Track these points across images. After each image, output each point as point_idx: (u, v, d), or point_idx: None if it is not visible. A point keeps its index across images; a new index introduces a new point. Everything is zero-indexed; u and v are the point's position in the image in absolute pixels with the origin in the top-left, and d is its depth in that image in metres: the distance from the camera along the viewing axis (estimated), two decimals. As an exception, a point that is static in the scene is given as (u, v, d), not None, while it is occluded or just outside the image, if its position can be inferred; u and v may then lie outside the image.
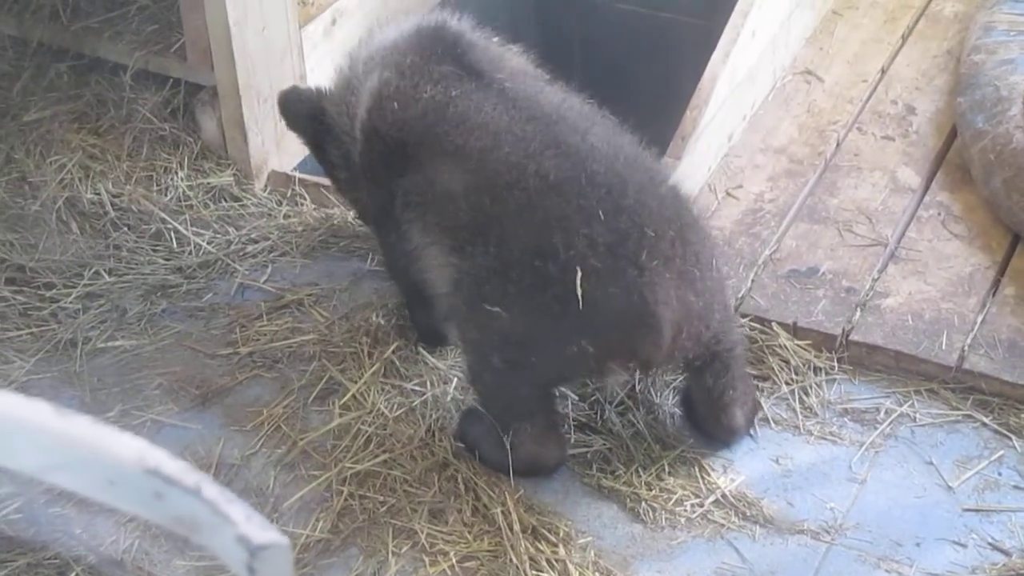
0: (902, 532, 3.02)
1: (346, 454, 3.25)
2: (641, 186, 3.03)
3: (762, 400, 3.34)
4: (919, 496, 3.11)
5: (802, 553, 3.00)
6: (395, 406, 3.36)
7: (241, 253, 3.90)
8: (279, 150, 4.19)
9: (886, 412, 3.32)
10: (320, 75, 4.01)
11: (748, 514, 3.08)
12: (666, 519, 3.08)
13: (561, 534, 3.03)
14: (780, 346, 3.47)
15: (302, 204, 4.08)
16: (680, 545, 3.03)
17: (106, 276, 3.82)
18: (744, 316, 3.54)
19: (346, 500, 3.14)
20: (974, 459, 3.19)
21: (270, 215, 4.05)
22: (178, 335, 3.66)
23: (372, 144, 3.33)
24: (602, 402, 3.34)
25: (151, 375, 3.53)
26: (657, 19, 5.32)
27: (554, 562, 2.97)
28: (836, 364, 3.44)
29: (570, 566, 2.96)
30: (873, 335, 3.47)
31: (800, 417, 3.32)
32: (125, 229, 3.98)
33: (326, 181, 3.92)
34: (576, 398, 3.36)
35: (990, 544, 2.99)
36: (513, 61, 3.40)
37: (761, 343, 3.48)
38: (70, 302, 3.74)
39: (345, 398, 3.39)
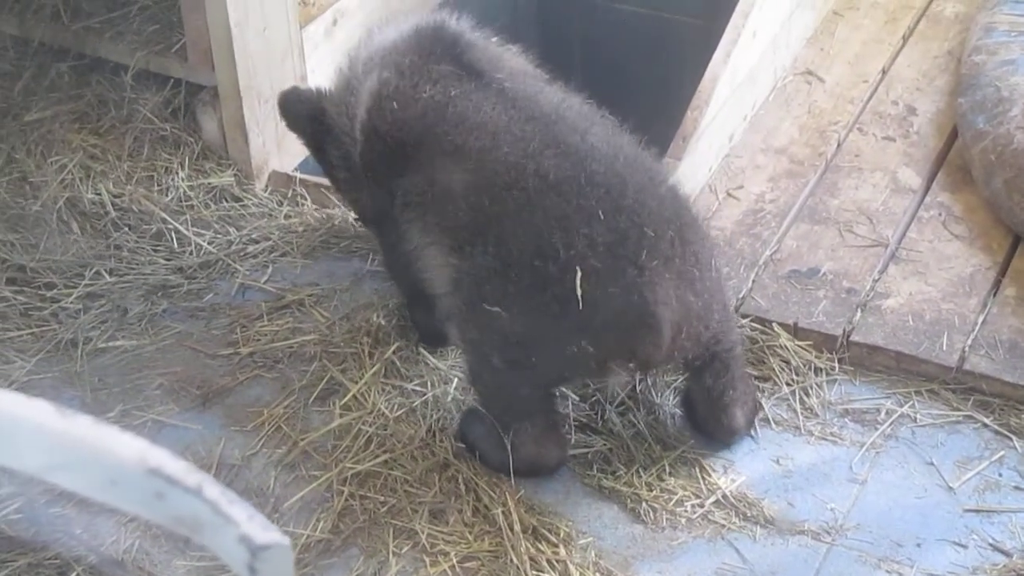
0: (903, 533, 3.02)
1: (347, 454, 3.25)
2: (640, 186, 3.03)
3: (763, 401, 3.34)
4: (920, 497, 3.12)
5: (803, 554, 3.00)
6: (396, 406, 3.36)
7: (242, 253, 3.91)
8: (280, 150, 4.19)
9: (887, 413, 3.32)
10: (321, 75, 4.01)
11: (749, 515, 3.08)
12: (667, 520, 3.09)
13: (562, 534, 3.04)
14: (781, 347, 3.47)
15: (303, 204, 4.08)
16: (681, 546, 3.03)
17: (107, 276, 3.82)
18: (745, 317, 3.54)
19: (347, 500, 3.14)
20: (975, 460, 3.19)
21: (271, 215, 4.05)
22: (179, 335, 3.66)
23: (372, 144, 3.33)
24: (603, 403, 3.34)
25: (152, 375, 3.54)
26: (658, 19, 5.32)
27: (555, 562, 2.97)
28: (837, 365, 3.45)
29: (571, 566, 2.96)
30: (874, 336, 3.47)
31: (801, 418, 3.32)
32: (126, 229, 3.99)
33: (327, 181, 3.91)
34: (577, 399, 3.36)
35: (991, 545, 2.99)
36: (512, 61, 3.40)
37: (762, 344, 3.48)
38: (71, 302, 3.74)
39: (346, 398, 3.39)
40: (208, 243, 3.93)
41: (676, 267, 2.99)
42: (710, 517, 3.09)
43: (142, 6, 4.40)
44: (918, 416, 3.31)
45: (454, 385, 3.41)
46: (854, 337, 3.47)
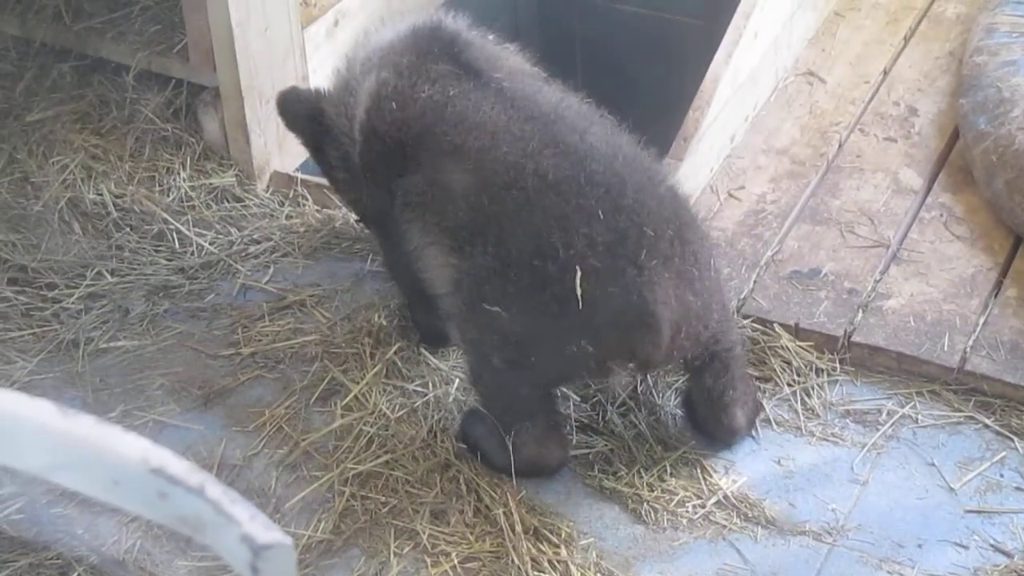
0: (904, 533, 3.02)
1: (348, 455, 3.25)
2: (640, 185, 3.03)
3: (764, 401, 3.34)
4: (921, 497, 3.11)
5: (804, 554, 3.00)
6: (397, 407, 3.37)
7: (243, 254, 3.91)
8: (281, 151, 4.19)
9: (888, 413, 3.32)
10: (323, 76, 4.01)
11: (750, 515, 3.08)
12: (668, 520, 3.08)
13: (563, 535, 3.04)
14: (782, 347, 3.47)
15: (304, 205, 4.09)
16: (682, 546, 3.03)
17: (108, 276, 3.82)
18: (746, 317, 3.54)
19: (348, 501, 3.14)
20: (976, 461, 3.19)
21: (272, 216, 4.05)
22: (180, 336, 3.66)
23: (371, 145, 3.33)
24: (604, 403, 3.34)
25: (153, 375, 3.54)
26: (659, 20, 5.32)
27: (556, 563, 2.97)
28: (838, 365, 3.44)
29: (572, 567, 2.96)
30: (875, 336, 3.47)
31: (802, 418, 3.32)
32: (127, 229, 3.99)
33: (327, 182, 3.91)
34: (578, 399, 3.36)
35: (992, 546, 2.99)
36: (510, 60, 3.40)
37: (763, 344, 3.48)
38: (72, 302, 3.74)
39: (347, 399, 3.39)
40: (209, 243, 3.93)
41: (675, 267, 2.99)
42: (711, 518, 3.09)
43: (144, 6, 4.41)
44: (919, 417, 3.31)
45: (455, 386, 3.41)
46: (855, 338, 3.47)
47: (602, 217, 2.95)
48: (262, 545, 1.44)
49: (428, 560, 3.00)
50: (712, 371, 3.17)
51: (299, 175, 4.18)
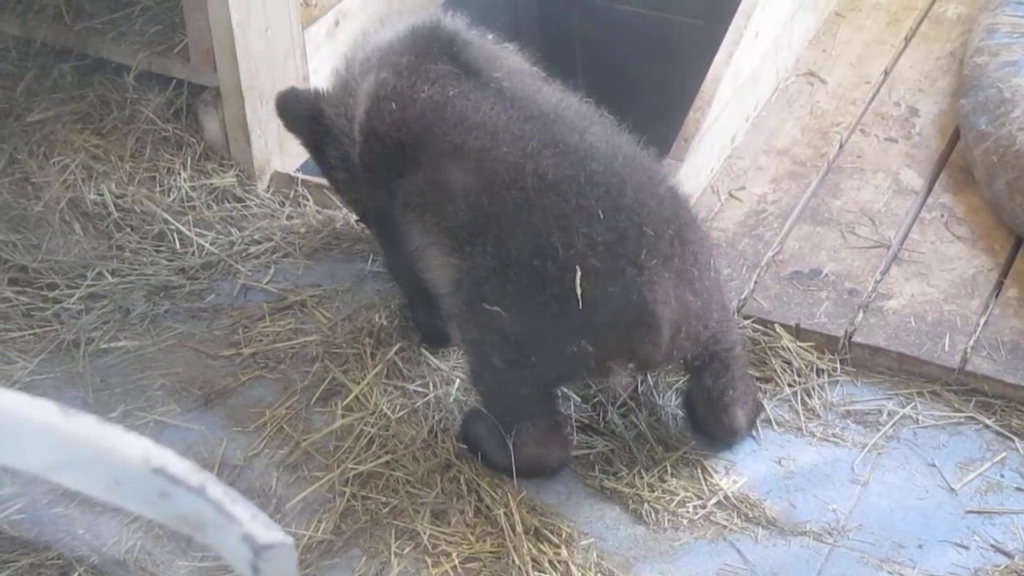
0: (904, 534, 3.02)
1: (349, 455, 3.25)
2: (640, 185, 3.03)
3: (764, 402, 3.34)
4: (921, 498, 3.11)
5: (804, 555, 3.00)
6: (398, 407, 3.37)
7: (244, 254, 3.91)
8: (282, 151, 4.19)
9: (888, 414, 3.32)
10: (323, 76, 4.01)
11: (750, 516, 3.08)
12: (668, 521, 3.09)
13: (564, 535, 3.04)
14: (783, 348, 3.47)
15: (305, 205, 4.09)
16: (682, 547, 3.03)
17: (109, 277, 3.82)
18: (747, 318, 3.54)
19: (348, 501, 3.14)
20: (976, 461, 3.19)
21: (273, 216, 4.05)
22: (181, 336, 3.66)
23: (371, 145, 3.33)
24: (604, 403, 3.34)
25: (154, 376, 3.54)
26: (660, 20, 5.32)
27: (556, 563, 2.97)
28: (839, 366, 3.44)
29: (572, 567, 2.96)
30: (876, 337, 3.47)
31: (802, 419, 3.32)
32: (128, 230, 3.99)
33: (327, 182, 3.92)
34: (579, 399, 3.36)
35: (992, 546, 2.99)
36: (509, 59, 3.40)
37: (764, 345, 3.48)
38: (73, 303, 3.74)
39: (348, 399, 3.39)
40: (210, 244, 3.93)
41: (675, 266, 3.00)
42: (712, 518, 3.09)
43: (144, 7, 4.41)
44: (920, 417, 3.31)
45: (456, 386, 3.41)
46: (856, 338, 3.47)
47: (602, 217, 2.95)
48: (263, 545, 1.44)
49: (429, 560, 3.00)
50: (712, 371, 3.17)
51: (300, 175, 4.18)
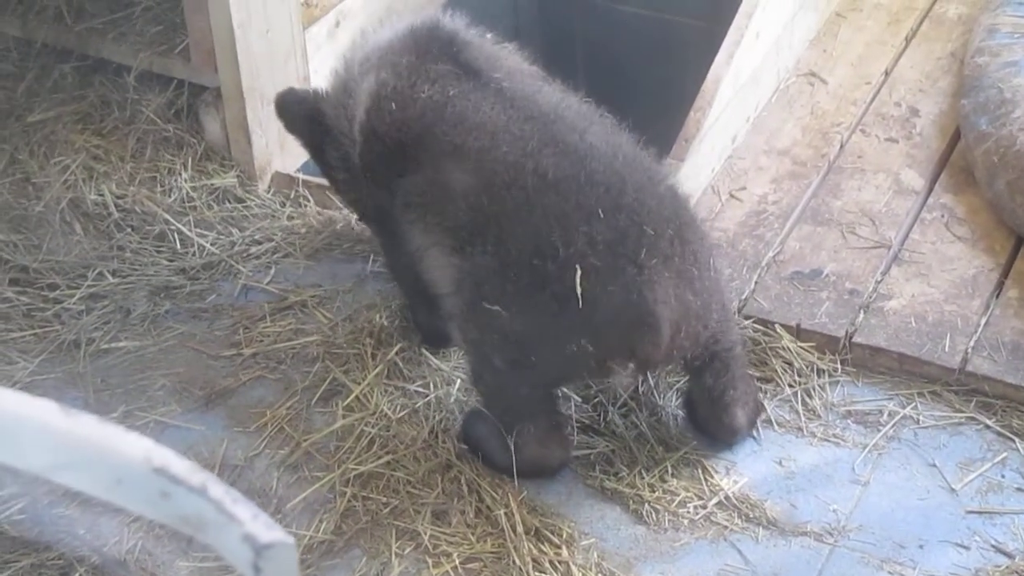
0: (905, 534, 3.02)
1: (349, 455, 3.25)
2: (640, 185, 3.04)
3: (765, 402, 3.34)
4: (922, 498, 3.11)
5: (805, 555, 3.00)
6: (398, 407, 3.37)
7: (245, 254, 3.91)
8: (283, 151, 4.19)
9: (889, 414, 3.32)
10: (324, 77, 4.01)
11: (751, 516, 3.08)
12: (669, 521, 3.09)
13: (564, 536, 3.04)
14: (783, 348, 3.47)
15: (305, 206, 4.09)
16: (683, 547, 3.03)
17: (110, 277, 3.82)
18: (747, 318, 3.54)
19: (349, 501, 3.14)
20: (977, 461, 3.19)
21: (274, 216, 4.05)
22: (182, 336, 3.66)
23: (371, 145, 3.33)
24: (605, 404, 3.34)
25: (155, 376, 3.54)
26: (660, 21, 5.32)
27: (557, 564, 2.97)
28: (839, 366, 3.45)
29: (573, 567, 2.96)
30: (876, 337, 3.47)
31: (803, 419, 3.32)
32: (129, 230, 3.99)
33: (327, 182, 3.92)
34: (579, 400, 3.36)
35: (993, 546, 2.99)
36: (509, 59, 3.40)
37: (764, 345, 3.48)
38: (74, 303, 3.74)
39: (348, 399, 3.39)
40: (211, 244, 3.93)
41: (675, 266, 3.00)
42: (712, 518, 3.09)
43: (145, 7, 4.41)
44: (920, 418, 3.31)
45: (457, 386, 3.41)
46: (857, 338, 3.47)
47: (602, 216, 2.95)
48: (264, 544, 1.44)
49: (429, 561, 3.00)
50: (712, 371, 3.17)
51: (300, 176, 4.18)
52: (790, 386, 3.39)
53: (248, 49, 3.97)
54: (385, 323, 3.59)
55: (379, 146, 3.30)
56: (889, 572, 2.94)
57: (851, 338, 3.48)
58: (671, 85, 4.98)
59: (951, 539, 3.01)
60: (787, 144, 4.19)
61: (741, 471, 3.20)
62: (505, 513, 3.07)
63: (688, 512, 3.10)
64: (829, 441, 3.26)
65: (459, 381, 3.42)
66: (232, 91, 4.05)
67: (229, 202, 4.09)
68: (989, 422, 3.28)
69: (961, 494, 3.11)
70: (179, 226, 3.97)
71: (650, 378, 3.36)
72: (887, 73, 4.47)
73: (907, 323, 3.50)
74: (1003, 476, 3.16)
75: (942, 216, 3.87)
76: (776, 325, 3.52)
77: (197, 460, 3.24)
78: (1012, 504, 3.08)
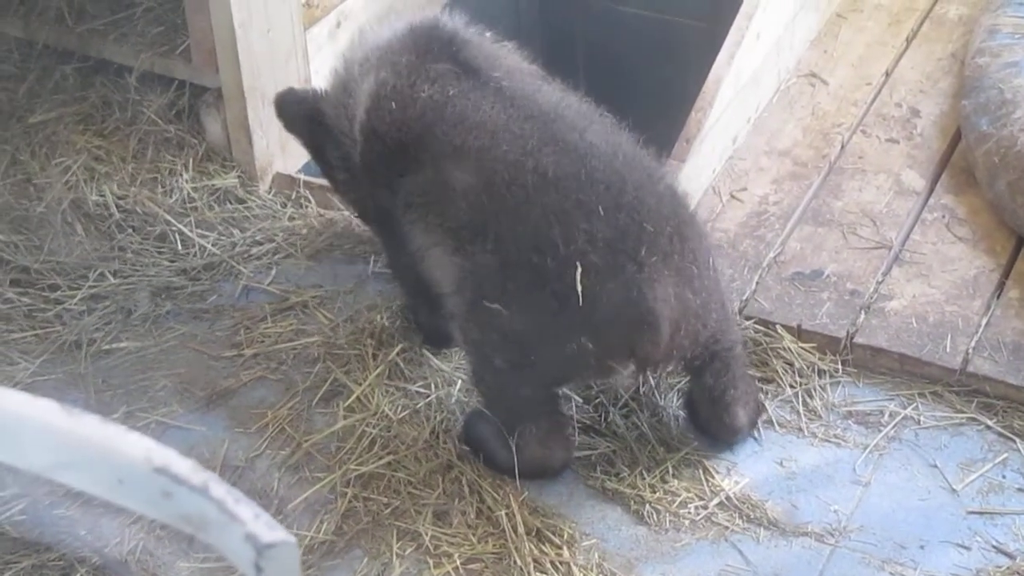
0: (906, 535, 3.02)
1: (350, 456, 3.25)
2: (640, 183, 3.04)
3: (766, 402, 3.34)
4: (923, 499, 3.11)
5: (806, 555, 3.00)
6: (399, 408, 3.37)
7: (246, 255, 3.91)
8: (284, 152, 4.19)
9: (890, 415, 3.32)
10: (325, 77, 4.01)
11: (752, 516, 3.08)
12: (670, 521, 3.09)
13: (565, 536, 3.04)
14: (784, 348, 3.47)
15: (307, 206, 4.09)
16: (684, 547, 3.03)
17: (111, 278, 3.82)
18: (748, 319, 3.54)
19: (350, 502, 3.15)
20: (978, 462, 3.19)
21: (275, 217, 4.05)
22: (183, 337, 3.66)
23: (371, 145, 3.33)
24: (606, 404, 3.34)
25: (156, 377, 3.54)
26: (661, 22, 5.32)
27: (558, 564, 2.97)
28: (840, 367, 3.45)
29: (574, 568, 2.96)
30: (877, 338, 3.47)
31: (804, 420, 3.32)
32: (130, 231, 3.99)
33: (327, 182, 3.92)
34: (580, 400, 3.36)
35: (994, 547, 2.99)
36: (508, 58, 3.39)
37: (765, 345, 3.48)
38: (75, 304, 3.74)
39: (349, 400, 3.39)
40: (212, 245, 3.93)
41: (675, 264, 3.00)
42: (714, 519, 3.09)
43: (146, 8, 4.41)
44: (921, 418, 3.31)
45: (458, 387, 3.41)
46: (858, 339, 3.47)
47: (602, 214, 2.95)
48: (266, 544, 1.44)
49: (431, 561, 3.00)
50: (713, 370, 3.17)
51: (301, 176, 4.18)
52: (791, 387, 3.39)
53: (249, 50, 3.97)
54: (386, 324, 3.59)
55: (379, 146, 3.30)
56: (890, 573, 2.94)
57: (852, 339, 3.48)
58: (672, 86, 4.99)
59: (952, 540, 3.01)
60: (788, 145, 4.19)
61: (742, 472, 3.20)
62: (506, 514, 3.07)
63: (689, 513, 3.10)
64: (830, 442, 3.26)
65: (460, 382, 3.42)
66: (233, 92, 4.05)
67: (230, 203, 4.09)
68: (990, 423, 3.28)
69: (962, 495, 3.11)
70: (180, 227, 3.97)
71: (651, 379, 3.36)
72: (888, 74, 4.47)
73: (908, 324, 3.50)
74: (1004, 477, 3.16)
75: (943, 217, 3.87)
76: (777, 326, 3.53)
77: (198, 461, 3.22)
78: (1013, 505, 3.08)
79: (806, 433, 3.29)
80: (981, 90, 4.02)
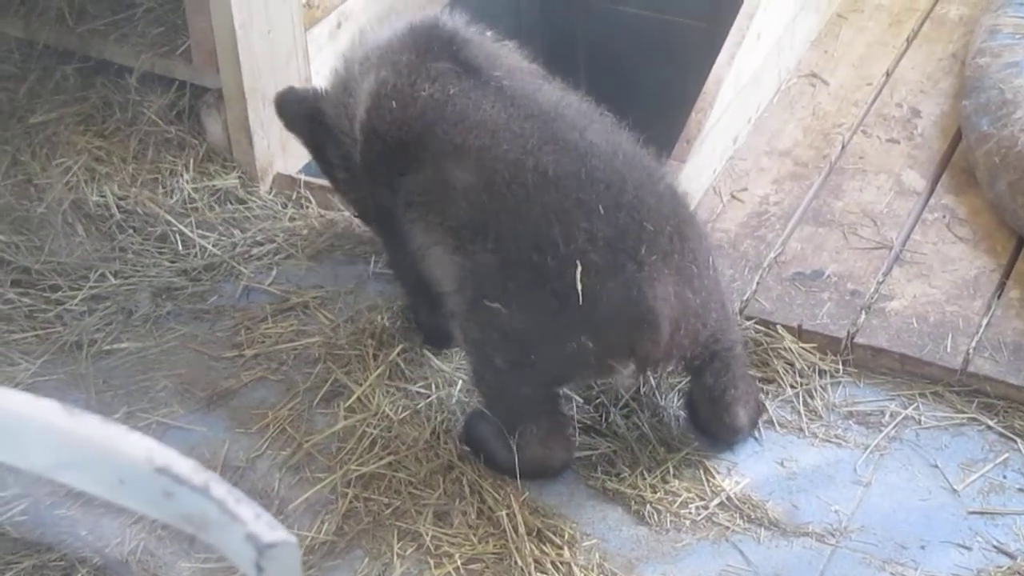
0: (907, 535, 3.02)
1: (351, 456, 3.25)
2: (640, 182, 3.04)
3: (767, 403, 3.34)
4: (924, 499, 3.11)
5: (807, 556, 3.00)
6: (400, 408, 3.37)
7: (246, 255, 3.91)
8: (284, 152, 4.19)
9: (891, 415, 3.32)
10: (325, 78, 4.01)
11: (753, 517, 3.08)
12: (671, 522, 3.09)
13: (566, 536, 3.04)
14: (785, 349, 3.47)
15: (307, 207, 4.09)
16: (685, 548, 3.03)
17: (112, 278, 3.82)
18: (749, 319, 3.54)
19: (351, 502, 3.15)
20: (979, 462, 3.19)
21: (275, 217, 4.05)
22: (183, 337, 3.66)
23: (372, 144, 3.33)
24: (607, 405, 3.34)
25: (157, 377, 3.54)
26: (662, 22, 5.32)
27: (559, 564, 2.97)
28: (841, 367, 3.45)
29: (575, 568, 2.96)
30: (878, 338, 3.47)
31: (805, 420, 3.32)
32: (131, 231, 3.99)
33: (328, 182, 3.92)
34: (581, 401, 3.36)
35: (995, 547, 2.99)
36: (509, 58, 3.40)
37: (766, 346, 3.48)
38: (76, 304, 3.74)
39: (350, 400, 3.39)
40: (212, 245, 3.93)
41: (675, 263, 3.00)
42: (714, 519, 3.09)
43: (147, 8, 4.41)
44: (922, 418, 3.31)
45: (458, 387, 3.41)
46: (858, 339, 3.47)
47: (602, 213, 2.95)
48: (267, 544, 1.44)
49: (431, 561, 3.00)
50: (713, 370, 3.17)
51: (302, 177, 4.18)
52: (792, 387, 3.39)
53: (250, 50, 3.97)
54: (387, 324, 3.59)
55: (380, 145, 3.30)
56: (891, 573, 2.94)
57: (853, 339, 3.48)
58: (672, 86, 4.99)
59: (953, 540, 3.01)
60: (788, 145, 4.19)
61: (743, 472, 3.20)
62: (507, 514, 3.07)
63: (690, 513, 3.10)
64: (831, 442, 3.26)
65: (461, 382, 3.42)
66: (234, 92, 4.05)
67: (231, 203, 4.09)
68: (991, 423, 3.28)
69: (963, 495, 3.11)
70: (181, 227, 3.97)
71: (651, 379, 3.36)
72: (888, 74, 4.47)
73: (909, 324, 3.50)
74: (1005, 477, 3.16)
75: (943, 217, 3.87)
76: (778, 326, 3.53)
77: (199, 461, 3.22)
78: (1014, 505, 3.08)
79: (807, 433, 3.29)
80: (982, 90, 4.02)
